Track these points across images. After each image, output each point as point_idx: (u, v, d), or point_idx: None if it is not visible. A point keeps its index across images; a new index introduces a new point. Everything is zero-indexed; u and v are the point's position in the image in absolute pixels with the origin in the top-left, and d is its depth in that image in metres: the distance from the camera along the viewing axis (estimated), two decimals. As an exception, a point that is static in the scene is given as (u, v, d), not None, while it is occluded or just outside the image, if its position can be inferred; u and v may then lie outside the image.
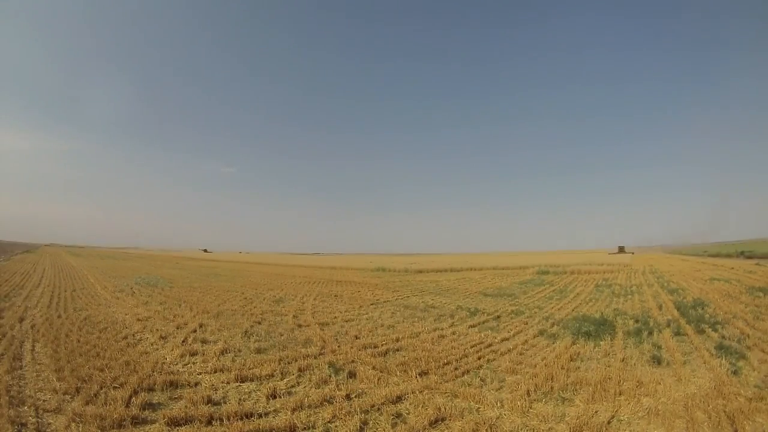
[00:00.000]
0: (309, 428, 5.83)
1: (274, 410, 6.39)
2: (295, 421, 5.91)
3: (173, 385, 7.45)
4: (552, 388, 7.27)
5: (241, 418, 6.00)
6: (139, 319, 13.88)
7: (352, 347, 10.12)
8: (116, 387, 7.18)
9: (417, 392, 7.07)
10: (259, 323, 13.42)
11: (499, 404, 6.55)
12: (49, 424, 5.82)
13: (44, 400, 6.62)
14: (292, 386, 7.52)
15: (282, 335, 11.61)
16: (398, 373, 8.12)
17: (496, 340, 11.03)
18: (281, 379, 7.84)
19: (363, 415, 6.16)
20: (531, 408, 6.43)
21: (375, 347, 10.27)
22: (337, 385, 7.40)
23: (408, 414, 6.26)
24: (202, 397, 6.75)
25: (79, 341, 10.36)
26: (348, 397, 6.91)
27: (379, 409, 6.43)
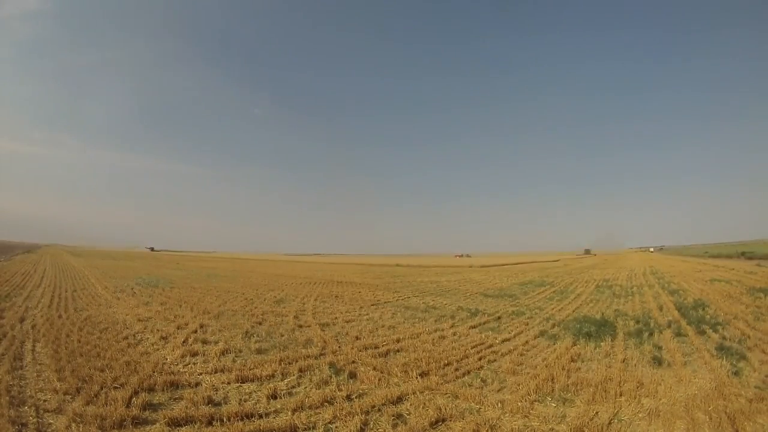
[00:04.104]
0: (310, 429, 5.82)
1: (275, 411, 6.39)
2: (296, 422, 5.91)
3: (174, 385, 7.45)
4: (553, 388, 7.27)
5: (242, 419, 6.00)
6: (139, 320, 13.88)
7: (352, 348, 10.11)
8: (117, 387, 7.18)
9: (418, 393, 7.06)
10: (260, 324, 13.42)
11: (500, 405, 6.55)
12: (50, 424, 5.82)
13: (45, 400, 6.62)
14: (293, 387, 7.52)
15: (283, 336, 11.61)
16: (399, 374, 8.11)
17: (497, 341, 11.02)
18: (282, 380, 7.84)
19: (364, 415, 6.15)
20: (532, 409, 6.42)
21: (376, 348, 10.26)
22: (338, 386, 7.39)
23: (409, 415, 6.26)
24: (203, 398, 6.75)
25: (79, 341, 10.36)
26: (349, 397, 6.91)
27: (379, 409, 6.43)
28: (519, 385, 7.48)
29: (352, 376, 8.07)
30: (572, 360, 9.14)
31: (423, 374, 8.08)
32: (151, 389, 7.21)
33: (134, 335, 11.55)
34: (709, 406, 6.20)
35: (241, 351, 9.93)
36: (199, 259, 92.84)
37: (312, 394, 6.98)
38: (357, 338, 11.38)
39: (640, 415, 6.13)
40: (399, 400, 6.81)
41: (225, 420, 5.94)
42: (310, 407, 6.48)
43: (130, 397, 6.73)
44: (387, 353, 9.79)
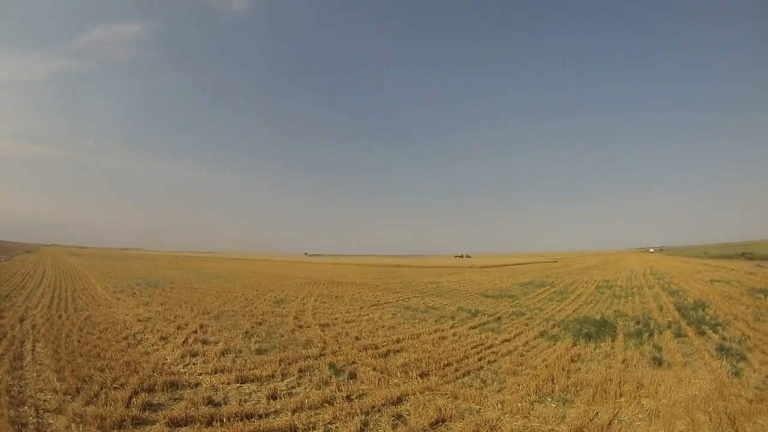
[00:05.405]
0: (309, 429, 5.82)
1: (275, 411, 6.38)
2: (296, 422, 5.91)
3: (174, 385, 7.45)
4: (553, 389, 7.27)
5: (242, 419, 6.00)
6: (139, 320, 13.88)
7: (352, 348, 10.11)
8: (117, 387, 7.18)
9: (418, 393, 7.06)
10: (260, 324, 13.41)
11: (500, 406, 6.55)
12: (50, 424, 5.82)
13: (45, 401, 6.62)
14: (293, 387, 7.51)
15: (283, 336, 11.61)
16: (399, 375, 8.12)
17: (497, 342, 11.02)
18: (282, 380, 7.84)
19: (363, 416, 6.15)
20: (532, 409, 6.42)
21: (376, 348, 10.26)
22: (338, 386, 7.39)
23: (409, 415, 6.26)
24: (203, 398, 6.75)
25: (79, 341, 10.36)
26: (349, 398, 6.91)
27: (379, 410, 6.42)
28: (519, 385, 7.48)
29: (352, 376, 8.07)
30: (572, 360, 9.14)
31: (423, 375, 8.08)
32: (151, 389, 7.21)
33: (134, 335, 11.55)
34: (709, 407, 6.19)
35: (241, 351, 9.92)
36: (199, 260, 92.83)
37: (312, 395, 6.97)
38: (357, 339, 11.37)
39: (640, 416, 6.13)
40: (399, 400, 6.81)
41: (225, 420, 5.93)
42: (310, 408, 6.48)
43: (130, 398, 6.73)
44: (387, 354, 9.78)
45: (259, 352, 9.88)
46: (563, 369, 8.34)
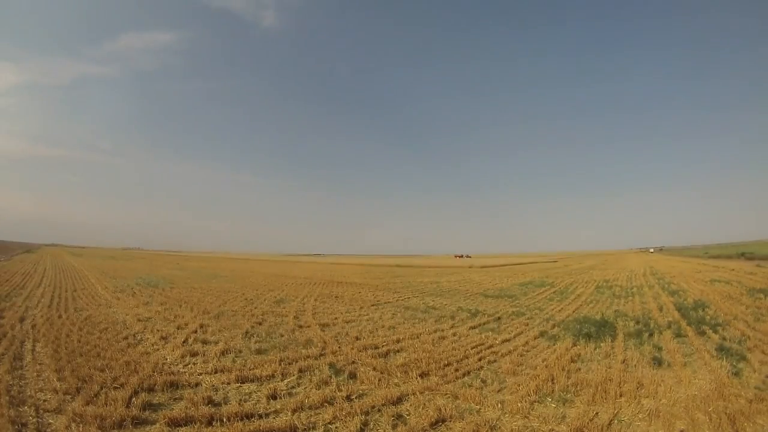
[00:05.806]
0: (309, 429, 5.82)
1: (275, 411, 6.38)
2: (296, 422, 5.91)
3: (174, 385, 7.45)
4: (553, 389, 7.26)
5: (242, 419, 6.00)
6: (139, 320, 13.88)
7: (352, 348, 10.11)
8: (117, 387, 7.18)
9: (418, 393, 7.06)
10: (260, 324, 13.42)
11: (500, 405, 6.55)
12: (50, 424, 5.82)
13: (44, 400, 6.62)
14: (293, 387, 7.52)
15: (283, 336, 11.61)
16: (399, 374, 8.11)
17: (497, 342, 11.02)
18: (282, 380, 7.84)
19: (363, 416, 6.15)
20: (532, 409, 6.42)
21: (376, 348, 10.26)
22: (338, 386, 7.39)
23: (409, 415, 6.26)
24: (203, 398, 6.75)
25: (79, 341, 10.36)
26: (349, 398, 6.91)
27: (379, 410, 6.42)
28: (519, 385, 7.47)
29: (352, 376, 8.07)
30: (572, 360, 9.14)
31: (423, 375, 8.08)
32: (151, 389, 7.21)
33: (134, 335, 11.55)
34: (709, 407, 6.19)
35: (241, 351, 9.92)
36: (199, 260, 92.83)
37: (312, 395, 6.98)
38: (357, 338, 11.37)
39: (640, 416, 6.13)
40: (399, 400, 6.81)
41: (225, 420, 5.93)
42: (310, 407, 6.48)
43: (130, 397, 6.73)
44: (387, 353, 9.78)
45: (259, 351, 9.88)
46: (563, 369, 8.34)
